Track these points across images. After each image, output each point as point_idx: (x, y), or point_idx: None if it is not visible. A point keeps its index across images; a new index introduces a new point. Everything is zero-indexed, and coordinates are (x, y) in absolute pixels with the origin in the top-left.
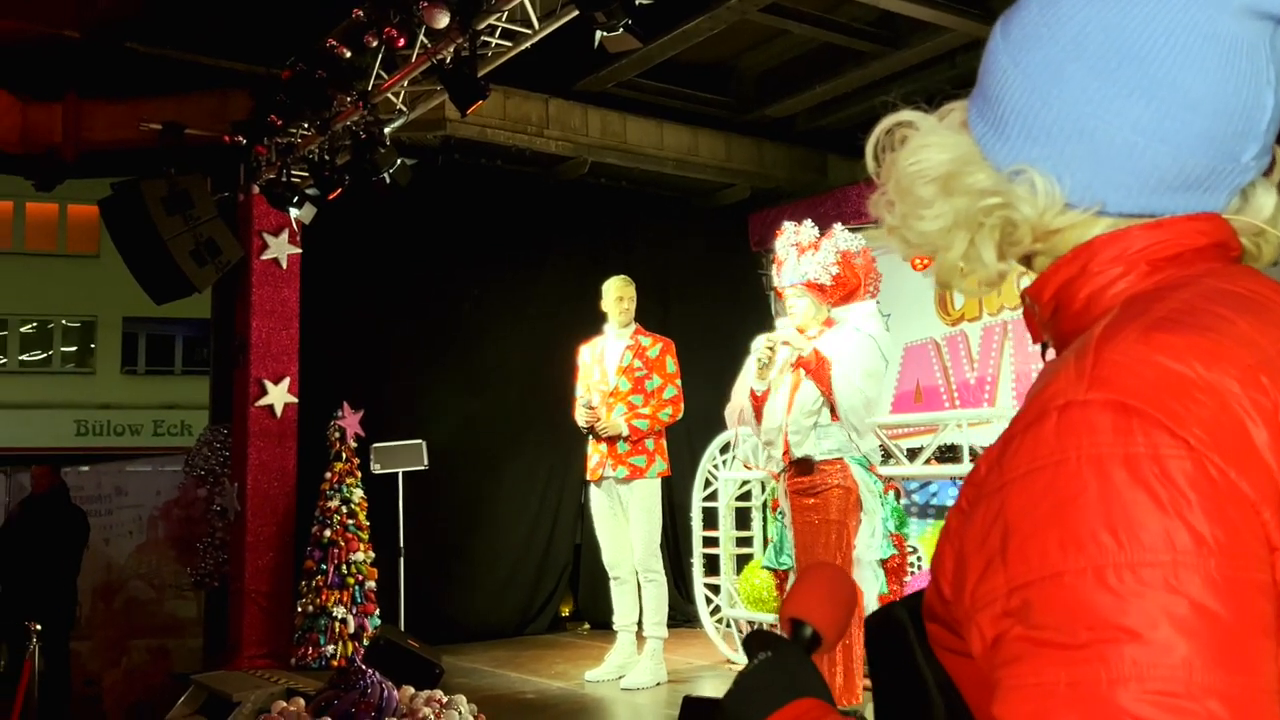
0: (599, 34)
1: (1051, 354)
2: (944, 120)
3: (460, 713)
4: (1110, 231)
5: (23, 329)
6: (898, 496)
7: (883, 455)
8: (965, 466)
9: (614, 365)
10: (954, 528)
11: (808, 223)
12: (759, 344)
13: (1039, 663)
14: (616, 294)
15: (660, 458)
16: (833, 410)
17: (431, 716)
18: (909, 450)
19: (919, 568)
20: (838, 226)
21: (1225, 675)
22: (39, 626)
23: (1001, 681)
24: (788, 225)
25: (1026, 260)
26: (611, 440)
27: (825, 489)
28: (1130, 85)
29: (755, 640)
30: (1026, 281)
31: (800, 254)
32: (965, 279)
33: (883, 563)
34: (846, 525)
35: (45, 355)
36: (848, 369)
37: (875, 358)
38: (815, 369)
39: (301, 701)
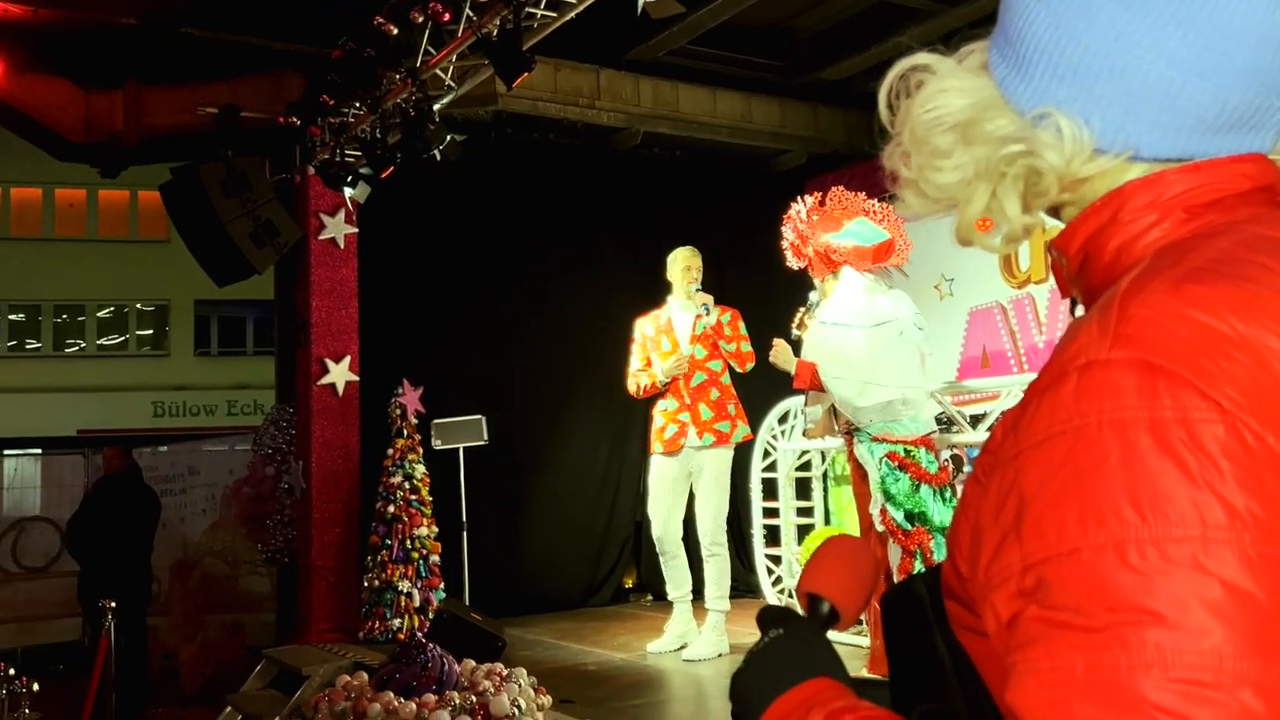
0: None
1: (1080, 310)
2: (963, 63)
3: (520, 685)
4: (1143, 177)
5: (99, 314)
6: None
7: (946, 422)
8: None
9: (686, 334)
10: (970, 499)
11: (803, 199)
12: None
13: (1055, 646)
14: (684, 264)
15: (742, 422)
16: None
17: (491, 689)
18: (972, 417)
19: None
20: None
21: (1260, 663)
22: (114, 604)
23: (1016, 665)
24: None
25: (1055, 211)
26: (693, 407)
27: (854, 461)
28: (1165, 16)
29: (768, 616)
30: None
31: None
32: (988, 235)
33: (907, 535)
34: (864, 497)
35: (122, 339)
36: (825, 369)
37: (832, 344)
38: (809, 381)
39: (365, 675)
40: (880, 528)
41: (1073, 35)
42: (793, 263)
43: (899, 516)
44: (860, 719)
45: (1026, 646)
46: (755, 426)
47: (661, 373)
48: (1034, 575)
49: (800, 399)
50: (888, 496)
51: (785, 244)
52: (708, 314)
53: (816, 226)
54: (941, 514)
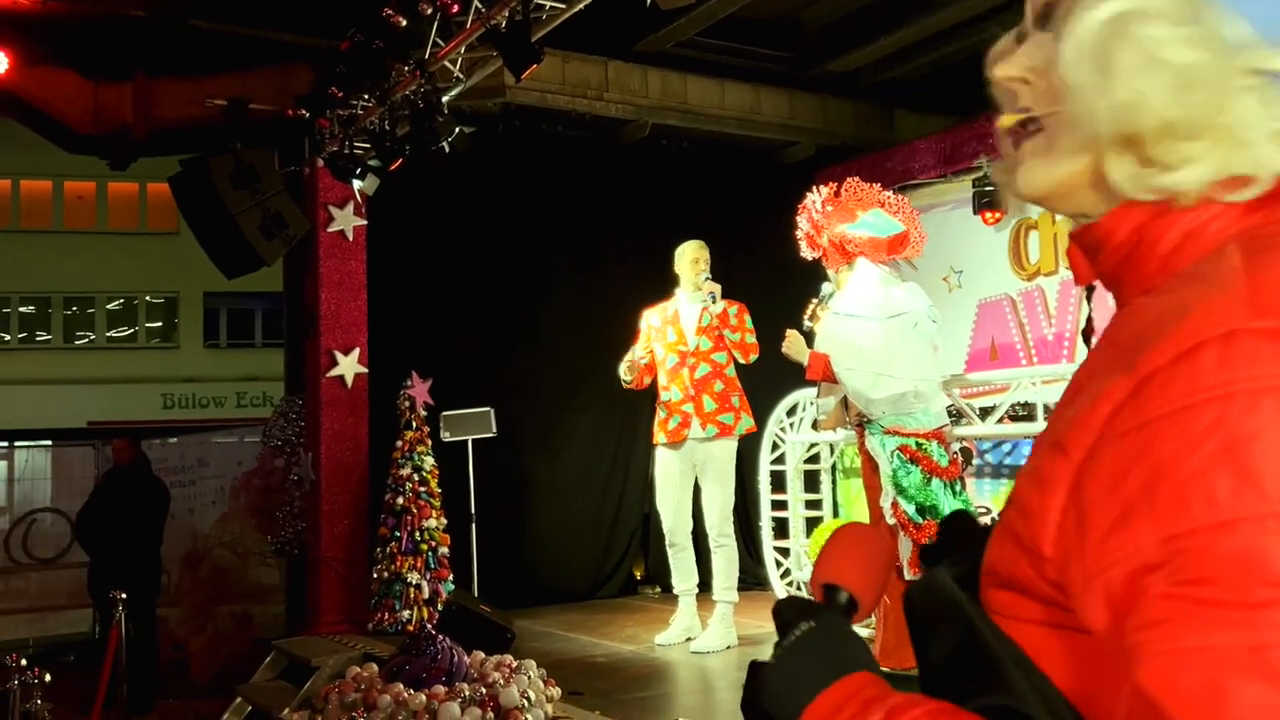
0: None
1: (1111, 300)
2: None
3: (529, 677)
4: None
5: (109, 306)
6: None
7: (954, 415)
8: (1040, 425)
9: (692, 326)
10: (1055, 475)
11: (818, 190)
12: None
13: (1201, 623)
14: (692, 257)
15: (746, 414)
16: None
17: (500, 681)
18: (981, 409)
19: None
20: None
21: None
22: (124, 596)
23: (1144, 645)
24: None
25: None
26: (697, 399)
27: (865, 453)
28: None
29: (790, 608)
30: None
31: None
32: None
33: (919, 528)
34: (875, 490)
35: (131, 331)
36: (838, 361)
37: (846, 335)
38: (822, 372)
39: (374, 667)
40: (891, 520)
41: None
42: (807, 253)
43: (910, 509)
44: (922, 714)
45: (1160, 625)
46: (763, 419)
47: (624, 371)
48: (1172, 548)
49: (809, 391)
50: (899, 489)
51: (800, 234)
52: (714, 302)
53: (831, 217)
54: (952, 507)
